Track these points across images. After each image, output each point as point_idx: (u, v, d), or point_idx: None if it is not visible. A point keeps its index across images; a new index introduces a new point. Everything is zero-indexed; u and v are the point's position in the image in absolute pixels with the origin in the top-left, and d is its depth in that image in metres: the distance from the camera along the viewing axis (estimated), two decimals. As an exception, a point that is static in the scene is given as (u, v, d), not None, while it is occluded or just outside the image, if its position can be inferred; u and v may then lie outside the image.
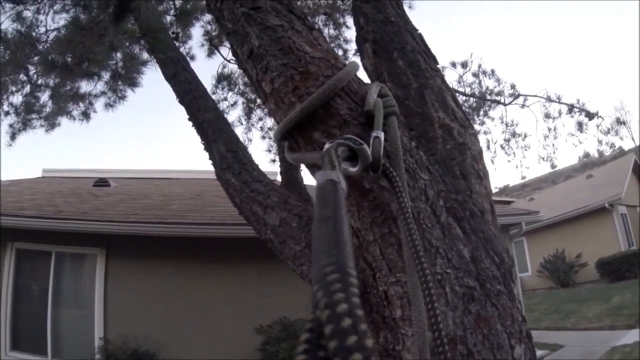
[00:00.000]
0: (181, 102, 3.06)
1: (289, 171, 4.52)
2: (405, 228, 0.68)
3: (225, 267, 7.31)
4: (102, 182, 11.09)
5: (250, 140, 7.56)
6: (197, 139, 2.92)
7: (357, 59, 1.81)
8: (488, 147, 8.57)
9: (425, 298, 0.68)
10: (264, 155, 7.78)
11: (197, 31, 7.02)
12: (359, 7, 2.09)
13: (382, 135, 0.82)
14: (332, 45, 6.28)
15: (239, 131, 7.50)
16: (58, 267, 7.53)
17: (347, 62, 1.02)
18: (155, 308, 7.08)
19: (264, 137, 7.58)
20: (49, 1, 4.64)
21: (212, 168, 2.81)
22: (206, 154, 2.73)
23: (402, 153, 0.96)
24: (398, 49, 1.74)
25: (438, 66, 1.85)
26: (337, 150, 0.67)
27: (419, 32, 1.97)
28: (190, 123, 2.97)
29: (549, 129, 8.23)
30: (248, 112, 7.34)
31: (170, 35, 4.02)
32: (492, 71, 8.02)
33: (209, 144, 2.68)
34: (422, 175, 0.95)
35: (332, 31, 6.22)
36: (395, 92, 1.56)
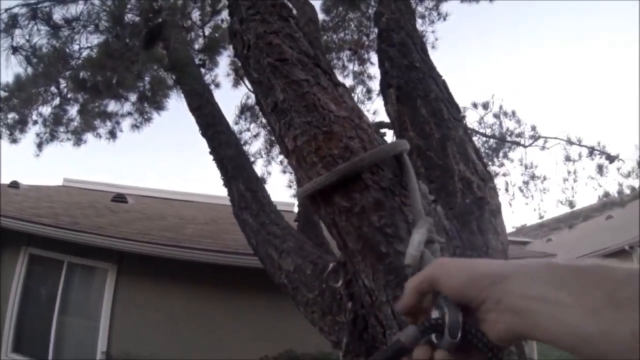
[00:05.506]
0: (203, 134, 3.08)
1: (307, 213, 4.44)
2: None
3: (235, 296, 7.24)
4: (120, 198, 11.23)
5: (270, 174, 7.55)
6: (215, 167, 2.93)
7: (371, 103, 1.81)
8: (507, 190, 8.48)
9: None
10: (283, 191, 7.77)
11: (223, 60, 7.14)
12: (385, 50, 2.09)
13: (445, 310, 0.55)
14: (356, 81, 6.33)
15: (260, 163, 7.53)
16: (69, 276, 7.59)
17: (371, 121, 1.02)
18: (162, 329, 7.02)
19: (284, 172, 7.54)
20: (82, 28, 4.76)
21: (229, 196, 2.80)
22: (225, 188, 2.73)
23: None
24: (422, 97, 1.73)
25: (461, 115, 1.85)
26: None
27: (442, 78, 1.97)
28: (212, 157, 2.96)
29: (569, 172, 8.12)
30: (269, 145, 7.37)
31: (197, 63, 4.11)
32: (513, 112, 8.03)
33: (229, 181, 2.68)
34: (439, 238, 0.94)
35: (356, 67, 6.29)
36: (417, 142, 1.56)
